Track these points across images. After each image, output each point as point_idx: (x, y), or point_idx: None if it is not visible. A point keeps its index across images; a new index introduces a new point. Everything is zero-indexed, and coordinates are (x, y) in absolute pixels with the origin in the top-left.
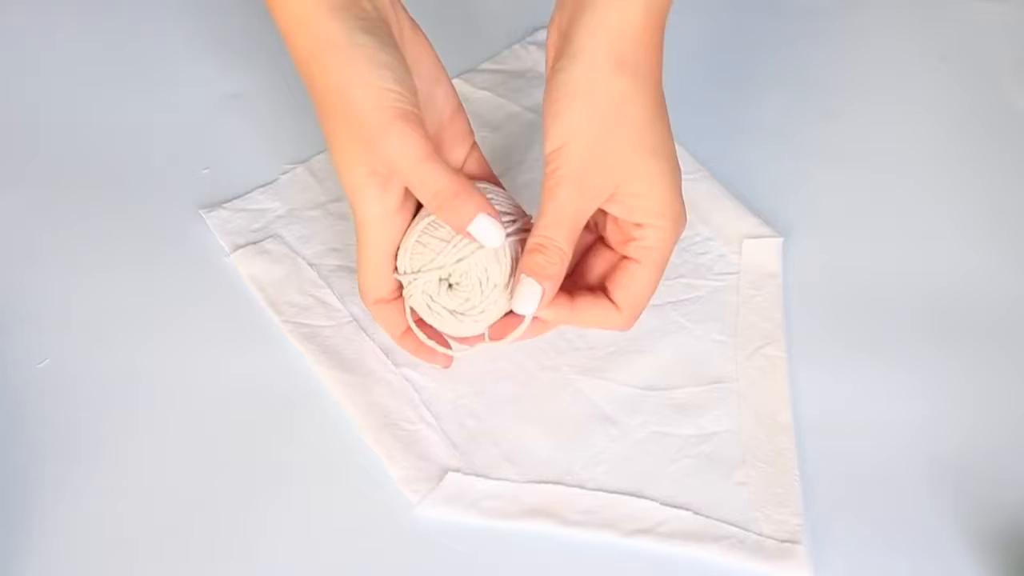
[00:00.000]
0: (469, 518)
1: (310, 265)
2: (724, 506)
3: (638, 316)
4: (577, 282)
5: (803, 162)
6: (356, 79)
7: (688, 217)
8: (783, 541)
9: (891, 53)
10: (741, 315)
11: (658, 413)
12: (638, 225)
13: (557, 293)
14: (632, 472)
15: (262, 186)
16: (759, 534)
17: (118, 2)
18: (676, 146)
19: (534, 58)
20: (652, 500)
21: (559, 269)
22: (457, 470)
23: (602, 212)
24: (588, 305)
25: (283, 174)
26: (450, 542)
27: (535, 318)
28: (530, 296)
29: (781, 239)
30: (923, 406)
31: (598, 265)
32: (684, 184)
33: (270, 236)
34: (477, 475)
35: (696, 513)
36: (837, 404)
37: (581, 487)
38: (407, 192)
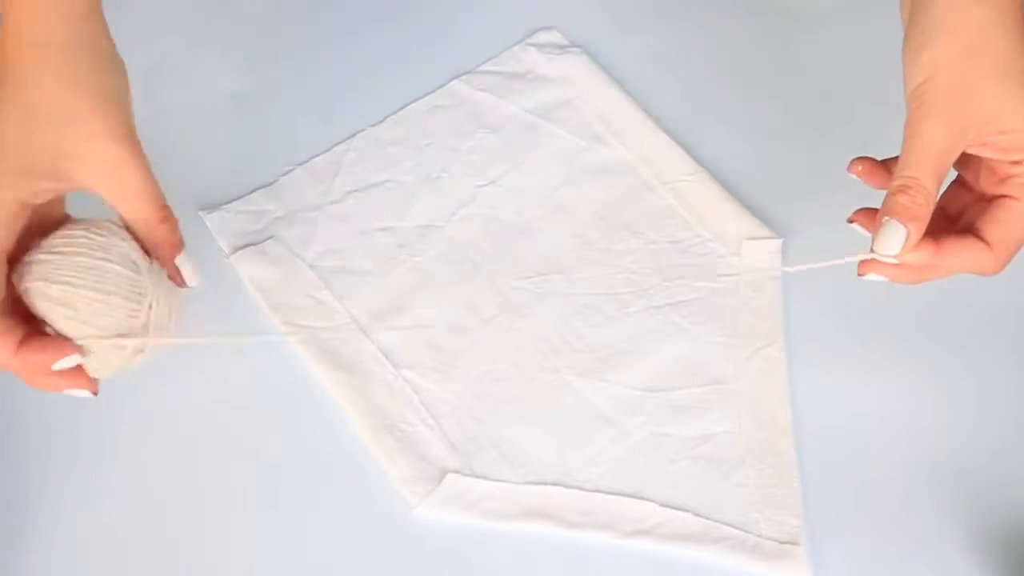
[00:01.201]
0: (468, 519)
1: (309, 267)
2: (723, 507)
3: (1010, 258)
4: (937, 225)
5: (803, 163)
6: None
7: (687, 218)
8: (782, 542)
9: (891, 53)
10: (741, 316)
11: (657, 414)
12: (1014, 163)
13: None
14: (631, 473)
15: (261, 187)
16: (758, 535)
17: (117, 2)
18: (675, 146)
19: (533, 60)
20: (651, 501)
21: (925, 210)
22: (456, 471)
23: (972, 161)
24: (955, 246)
25: (283, 175)
26: (449, 543)
27: (897, 265)
28: (894, 238)
29: (781, 240)
30: (922, 407)
31: (960, 209)
32: (683, 185)
33: (269, 237)
34: (476, 476)
35: (695, 514)
36: (836, 405)
37: (580, 488)
38: None
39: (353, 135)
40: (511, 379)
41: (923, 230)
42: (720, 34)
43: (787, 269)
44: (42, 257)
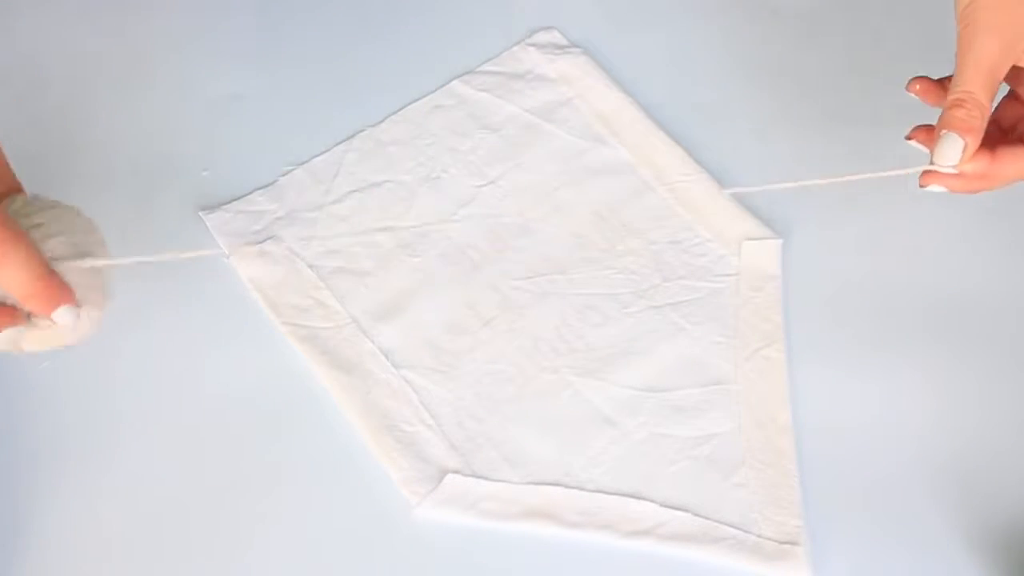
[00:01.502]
0: (468, 519)
1: (309, 267)
2: (723, 508)
3: None
4: (992, 136)
5: (803, 162)
6: None
7: (687, 218)
8: (782, 543)
9: (891, 53)
10: (740, 317)
11: (657, 414)
12: None
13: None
14: (631, 473)
15: (262, 187)
16: (758, 535)
17: (116, 3)
18: (675, 146)
19: (533, 60)
20: (651, 501)
21: (980, 123)
22: (456, 471)
23: (1022, 75)
24: (1009, 155)
25: (283, 175)
26: (449, 543)
27: (955, 176)
28: (952, 150)
29: (781, 240)
30: (923, 407)
31: (1013, 121)
32: (683, 185)
33: (270, 238)
34: (476, 476)
35: (695, 514)
36: (837, 405)
37: (580, 489)
38: None
39: (353, 135)
40: (511, 379)
41: (979, 141)
42: (720, 34)
43: (779, 186)
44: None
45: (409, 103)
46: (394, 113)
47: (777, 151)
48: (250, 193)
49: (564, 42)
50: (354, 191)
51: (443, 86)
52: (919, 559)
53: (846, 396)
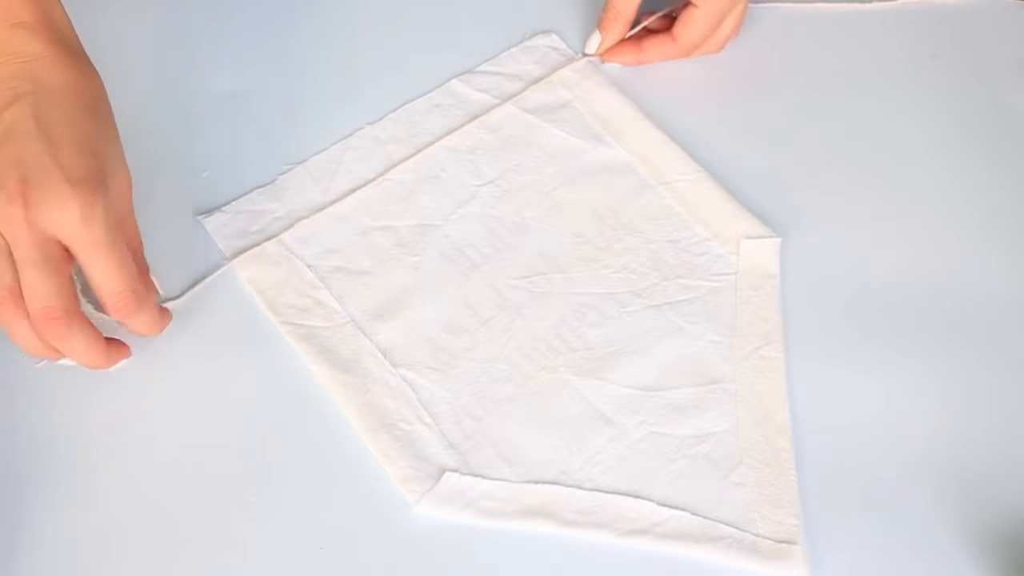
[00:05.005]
0: (466, 518)
1: (308, 266)
2: (721, 507)
3: (693, 48)
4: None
5: (801, 162)
6: None
7: (685, 217)
8: (780, 542)
9: (888, 53)
10: (739, 316)
11: (655, 414)
12: None
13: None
14: (629, 472)
15: (260, 186)
16: (756, 534)
17: (114, 3)
18: (674, 146)
19: (532, 61)
20: (649, 500)
21: (617, 25)
22: (454, 470)
23: None
24: (650, 44)
25: (281, 174)
26: (447, 542)
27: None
28: (593, 41)
29: (779, 239)
30: (921, 406)
31: (659, 27)
32: (682, 185)
33: (268, 238)
34: (474, 475)
35: (693, 514)
36: (835, 405)
37: (578, 487)
38: None
39: (352, 134)
40: (509, 378)
41: (615, 38)
42: None
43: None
44: None
45: (408, 102)
46: (393, 112)
47: (777, 151)
48: (249, 192)
49: (562, 45)
50: (353, 190)
51: (442, 85)
52: (917, 558)
53: (844, 395)
